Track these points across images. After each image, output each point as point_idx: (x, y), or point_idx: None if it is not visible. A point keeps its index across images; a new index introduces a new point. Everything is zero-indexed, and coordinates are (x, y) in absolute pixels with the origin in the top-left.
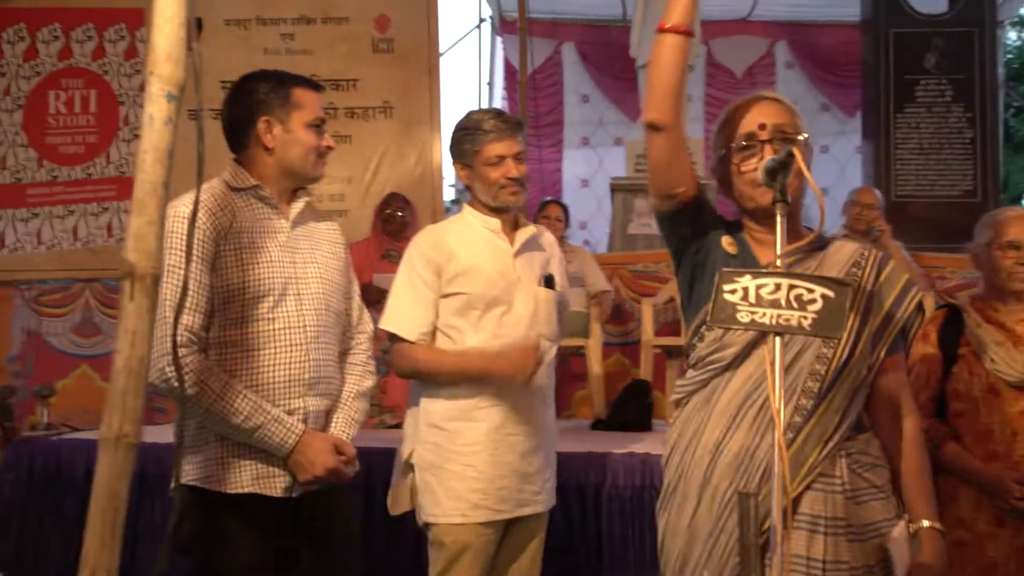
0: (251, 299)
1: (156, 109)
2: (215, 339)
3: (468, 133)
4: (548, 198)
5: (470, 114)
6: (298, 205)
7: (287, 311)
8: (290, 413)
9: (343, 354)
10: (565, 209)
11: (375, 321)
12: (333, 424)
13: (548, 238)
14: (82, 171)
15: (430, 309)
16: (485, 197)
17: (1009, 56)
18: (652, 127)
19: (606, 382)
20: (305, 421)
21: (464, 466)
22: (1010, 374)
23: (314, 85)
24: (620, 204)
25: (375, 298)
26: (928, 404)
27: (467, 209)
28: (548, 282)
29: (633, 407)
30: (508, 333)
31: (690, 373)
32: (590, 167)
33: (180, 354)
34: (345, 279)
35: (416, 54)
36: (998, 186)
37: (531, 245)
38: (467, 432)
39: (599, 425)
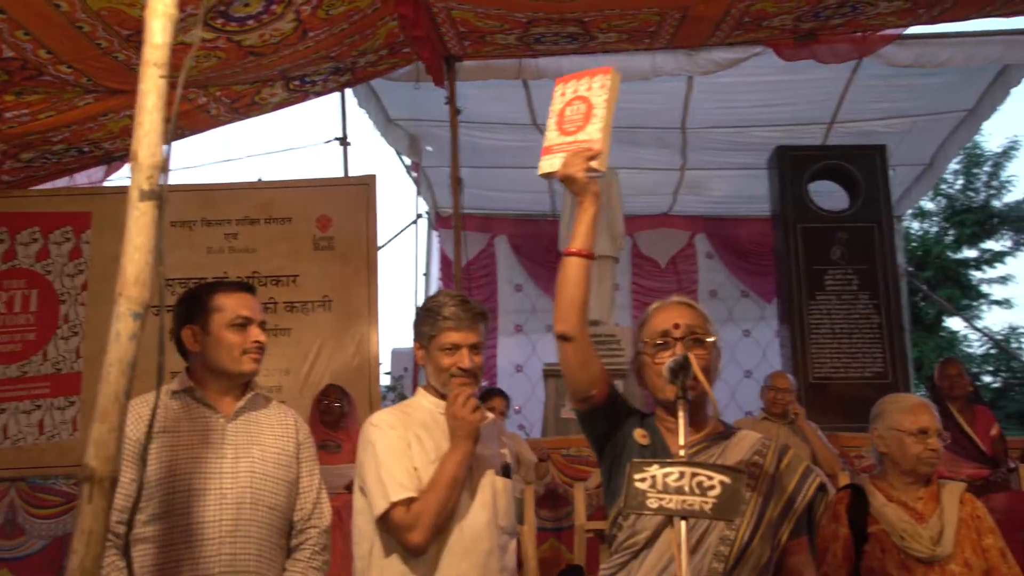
0: (168, 496)
1: (123, 326)
2: (136, 535)
3: (429, 315)
4: (494, 387)
5: (436, 296)
6: (240, 402)
7: (203, 506)
8: None
9: (291, 548)
10: (507, 399)
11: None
12: None
13: (502, 428)
14: (17, 369)
15: (409, 460)
16: (435, 381)
17: (913, 244)
18: (562, 337)
19: (542, 568)
20: None
21: None
22: (919, 550)
23: (240, 287)
24: (552, 389)
25: None
26: None
27: (420, 392)
28: (505, 471)
29: None
30: (466, 522)
31: (613, 556)
32: (524, 353)
33: None
34: (290, 472)
35: (355, 250)
36: (907, 367)
37: (486, 434)
38: None
39: None
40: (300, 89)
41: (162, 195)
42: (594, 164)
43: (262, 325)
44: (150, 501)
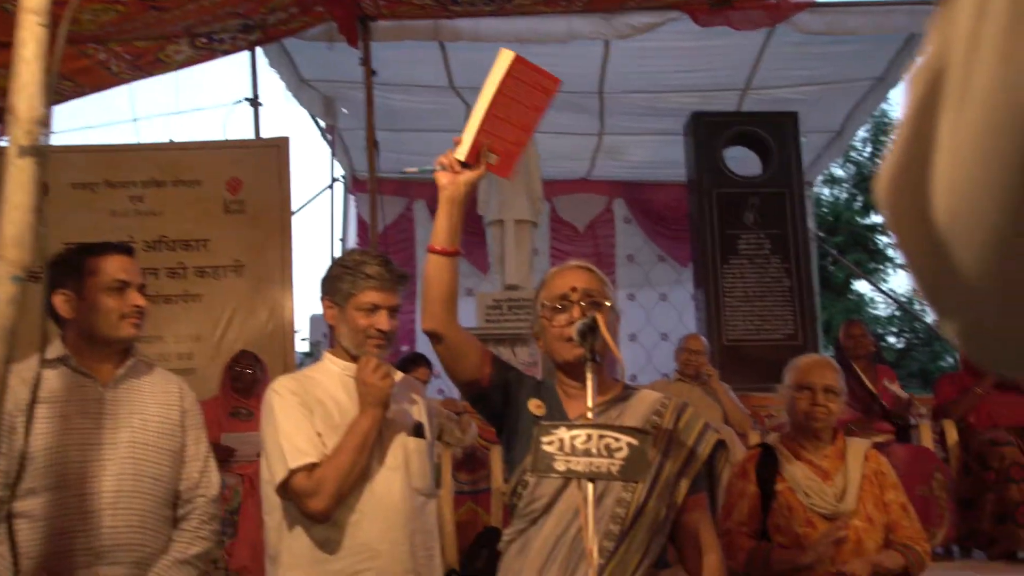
0: (43, 470)
1: (2, 290)
2: (15, 511)
3: (348, 272)
4: (418, 354)
5: (353, 253)
6: (120, 370)
7: (81, 479)
8: None
9: (177, 519)
10: (430, 367)
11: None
12: None
13: (417, 387)
14: None
15: (311, 426)
16: (348, 343)
17: (824, 210)
18: (430, 335)
19: (460, 531)
20: None
21: None
22: (824, 507)
23: (116, 248)
24: None
25: (222, 457)
26: (753, 534)
27: (327, 356)
28: (418, 431)
29: (484, 555)
30: (378, 485)
31: (513, 523)
32: None
33: None
34: (174, 441)
35: (268, 214)
36: (816, 329)
37: (398, 394)
38: None
39: None
40: (207, 47)
41: (43, 151)
42: (456, 154)
43: (141, 288)
44: (24, 476)
